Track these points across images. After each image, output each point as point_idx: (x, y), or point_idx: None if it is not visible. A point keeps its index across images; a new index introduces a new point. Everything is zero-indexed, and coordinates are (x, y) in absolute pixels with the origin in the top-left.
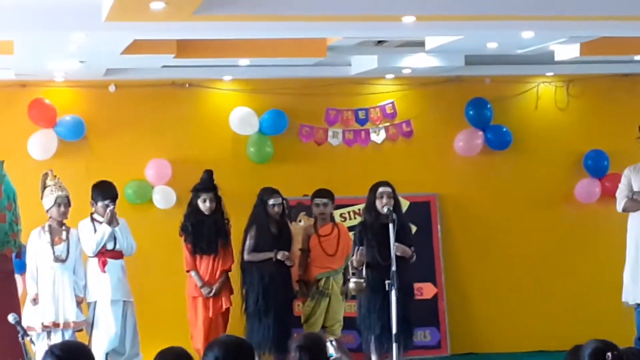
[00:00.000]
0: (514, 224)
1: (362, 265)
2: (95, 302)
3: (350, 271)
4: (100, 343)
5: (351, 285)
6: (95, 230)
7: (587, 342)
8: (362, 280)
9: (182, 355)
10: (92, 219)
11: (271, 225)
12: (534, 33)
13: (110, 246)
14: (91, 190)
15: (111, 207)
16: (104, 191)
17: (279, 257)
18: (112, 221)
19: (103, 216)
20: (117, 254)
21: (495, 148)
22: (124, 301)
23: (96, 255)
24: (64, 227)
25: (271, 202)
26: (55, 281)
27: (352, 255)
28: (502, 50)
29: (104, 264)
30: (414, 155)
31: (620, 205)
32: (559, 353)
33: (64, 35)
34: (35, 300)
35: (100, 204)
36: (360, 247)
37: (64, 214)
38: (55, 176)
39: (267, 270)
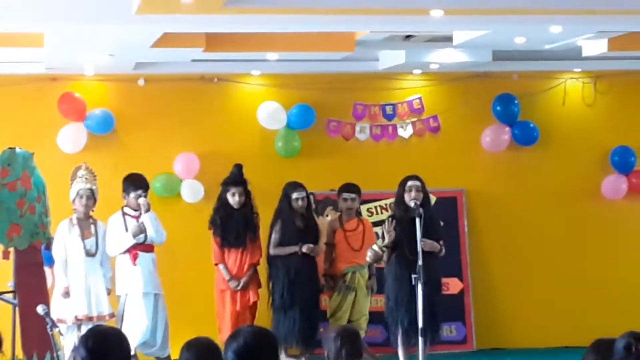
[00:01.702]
0: (541, 220)
1: (391, 239)
2: (126, 295)
3: (376, 242)
4: (130, 336)
5: (369, 253)
6: (125, 226)
7: (622, 334)
8: (380, 251)
9: (209, 346)
10: (123, 214)
11: (296, 219)
12: (562, 28)
13: (140, 239)
14: (122, 183)
15: (143, 196)
16: (136, 182)
17: (303, 249)
18: (148, 209)
19: (135, 209)
20: (148, 247)
21: (522, 144)
22: (155, 294)
23: (127, 250)
24: (91, 220)
25: (295, 195)
26: (87, 275)
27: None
28: (529, 46)
29: (135, 257)
30: (441, 151)
31: None
32: (584, 349)
33: (94, 28)
34: (67, 294)
35: (132, 194)
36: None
37: (87, 207)
38: (87, 168)
39: (292, 264)
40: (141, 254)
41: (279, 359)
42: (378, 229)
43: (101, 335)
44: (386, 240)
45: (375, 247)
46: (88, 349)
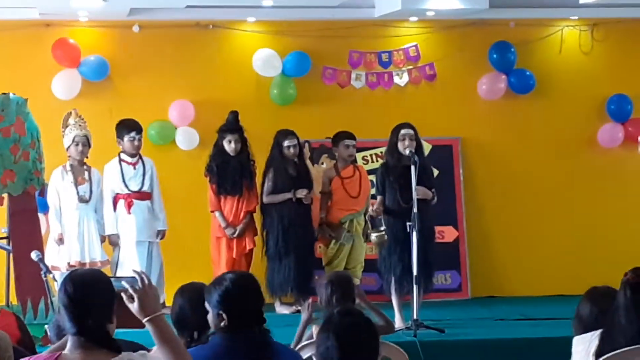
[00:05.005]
0: (536, 168)
1: (381, 215)
2: (120, 243)
3: (369, 225)
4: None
5: (373, 238)
6: (122, 174)
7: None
8: (384, 233)
9: (202, 291)
10: (120, 160)
11: (289, 167)
12: None
13: (136, 187)
14: (115, 129)
15: (137, 139)
16: (129, 125)
17: (297, 195)
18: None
19: (131, 154)
20: (143, 195)
21: (518, 92)
22: (149, 242)
23: (122, 196)
24: (85, 167)
25: (286, 143)
26: (80, 221)
27: (370, 207)
28: None
29: (129, 205)
30: (436, 99)
31: None
32: (580, 297)
33: None
34: (61, 240)
35: (126, 137)
36: (379, 196)
37: (82, 153)
38: (78, 115)
39: (286, 212)
40: (136, 202)
41: (263, 301)
42: (373, 177)
43: (80, 278)
44: (374, 214)
45: (374, 235)
46: (68, 294)
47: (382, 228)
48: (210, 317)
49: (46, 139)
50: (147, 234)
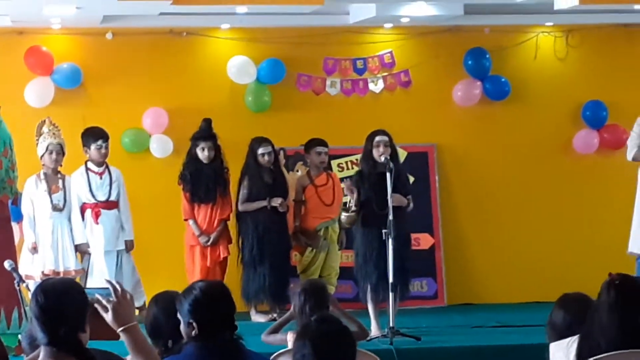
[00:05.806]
0: (512, 175)
1: (353, 195)
2: (90, 252)
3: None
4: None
5: (343, 218)
6: (89, 183)
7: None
8: (353, 214)
9: (175, 300)
10: (87, 169)
11: (264, 174)
12: None
13: (103, 197)
14: (81, 138)
15: (104, 147)
16: (95, 133)
17: (272, 203)
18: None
19: (98, 162)
20: (111, 204)
21: (493, 98)
22: (117, 251)
23: (89, 206)
24: (59, 175)
25: (260, 150)
26: (54, 230)
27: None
28: None
29: (97, 215)
30: (412, 106)
31: (630, 153)
32: None
33: None
34: (35, 249)
35: (93, 146)
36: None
37: (56, 162)
38: (52, 123)
39: (261, 220)
40: (103, 212)
41: (234, 308)
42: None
43: (51, 287)
44: (353, 201)
45: (343, 215)
46: (39, 304)
47: (353, 209)
48: (182, 327)
49: (19, 147)
50: (115, 243)
